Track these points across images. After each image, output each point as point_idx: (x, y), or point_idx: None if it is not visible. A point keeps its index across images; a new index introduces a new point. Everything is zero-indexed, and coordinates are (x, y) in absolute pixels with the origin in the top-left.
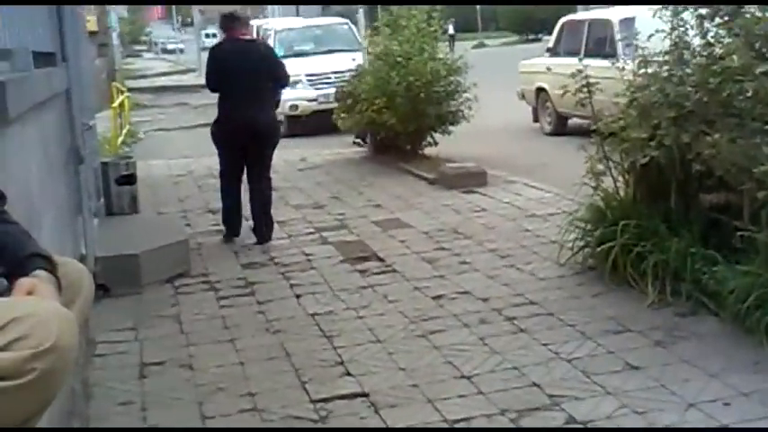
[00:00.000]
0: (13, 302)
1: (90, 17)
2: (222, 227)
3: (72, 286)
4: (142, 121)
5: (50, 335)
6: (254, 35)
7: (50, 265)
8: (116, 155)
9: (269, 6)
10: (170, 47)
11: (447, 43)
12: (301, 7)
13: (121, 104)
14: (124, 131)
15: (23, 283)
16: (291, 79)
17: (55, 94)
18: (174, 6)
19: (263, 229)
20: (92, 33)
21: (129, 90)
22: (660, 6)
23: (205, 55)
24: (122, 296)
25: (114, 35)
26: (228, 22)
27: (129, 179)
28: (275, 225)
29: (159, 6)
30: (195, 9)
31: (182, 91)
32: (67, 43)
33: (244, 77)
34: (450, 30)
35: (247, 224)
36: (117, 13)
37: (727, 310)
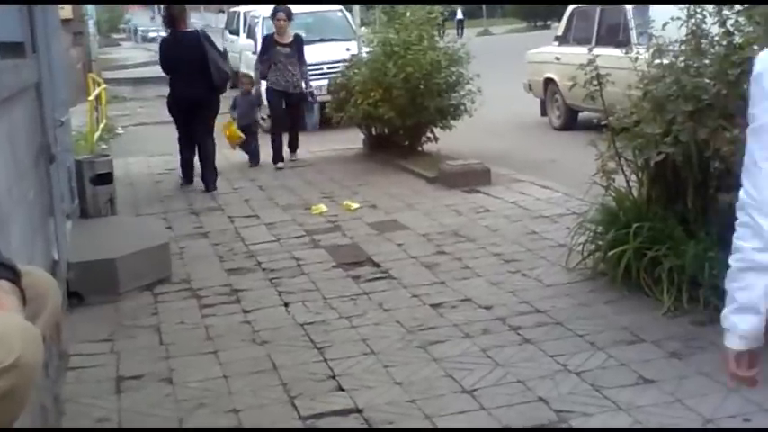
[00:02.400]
0: None
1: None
2: (180, 172)
3: (38, 298)
4: (121, 115)
5: (11, 352)
6: (242, 22)
7: (14, 275)
8: (92, 152)
9: None
10: (151, 35)
11: (456, 29)
12: None
13: (98, 97)
14: (101, 126)
15: None
16: None
17: (24, 87)
18: None
19: (208, 178)
20: (65, 21)
21: (107, 82)
22: None
23: None
24: (98, 305)
25: (90, 23)
26: (169, 20)
27: (106, 178)
28: (264, 228)
29: None
30: None
31: (163, 83)
32: (38, 32)
33: (184, 61)
34: (459, 14)
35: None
36: None
37: None
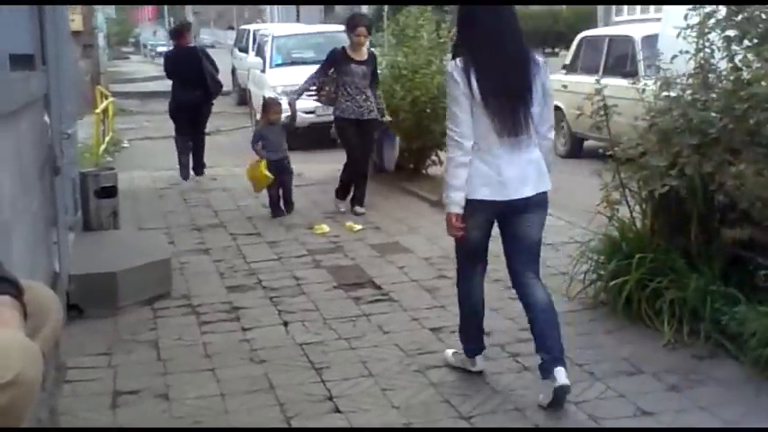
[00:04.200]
0: None
1: (74, 16)
2: (179, 170)
3: (39, 313)
4: (127, 128)
5: (11, 368)
6: (251, 40)
7: (15, 290)
8: (97, 165)
9: (267, 9)
10: (159, 49)
11: None
12: (302, 13)
13: (105, 110)
14: (107, 139)
15: None
16: (289, 88)
17: (32, 99)
18: (165, 7)
19: (198, 167)
20: (76, 33)
21: (115, 95)
22: (685, 26)
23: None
24: (97, 318)
25: (101, 36)
26: (175, 35)
27: (110, 192)
28: (266, 246)
29: (150, 7)
30: (189, 10)
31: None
32: (48, 45)
33: (183, 72)
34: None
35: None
36: (105, 13)
37: (747, 353)
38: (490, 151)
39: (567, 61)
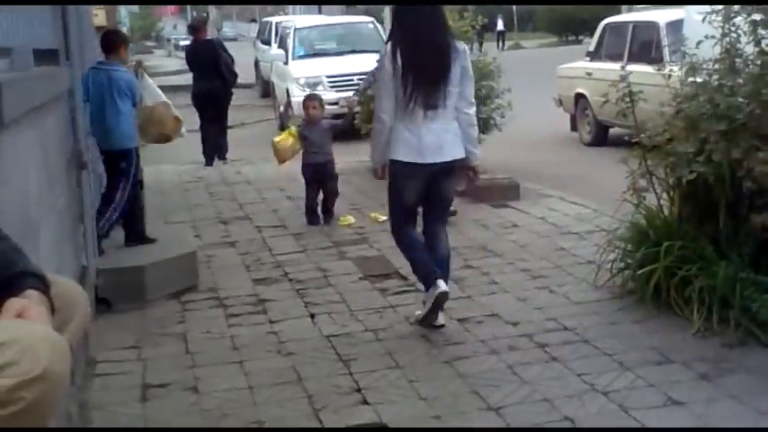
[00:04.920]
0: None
1: (98, 11)
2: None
3: (66, 308)
4: None
5: (39, 362)
6: (274, 33)
7: (43, 285)
8: None
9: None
10: (182, 43)
11: (496, 41)
12: (324, 5)
13: None
14: None
15: (12, 304)
16: (312, 80)
17: (57, 95)
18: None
19: (222, 152)
20: (99, 28)
21: None
22: (710, 10)
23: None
24: (125, 312)
25: (124, 30)
26: (192, 31)
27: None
28: (291, 238)
29: None
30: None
31: None
32: (72, 40)
33: (201, 64)
34: (500, 26)
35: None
36: (128, 8)
37: None
38: (413, 122)
39: (591, 48)
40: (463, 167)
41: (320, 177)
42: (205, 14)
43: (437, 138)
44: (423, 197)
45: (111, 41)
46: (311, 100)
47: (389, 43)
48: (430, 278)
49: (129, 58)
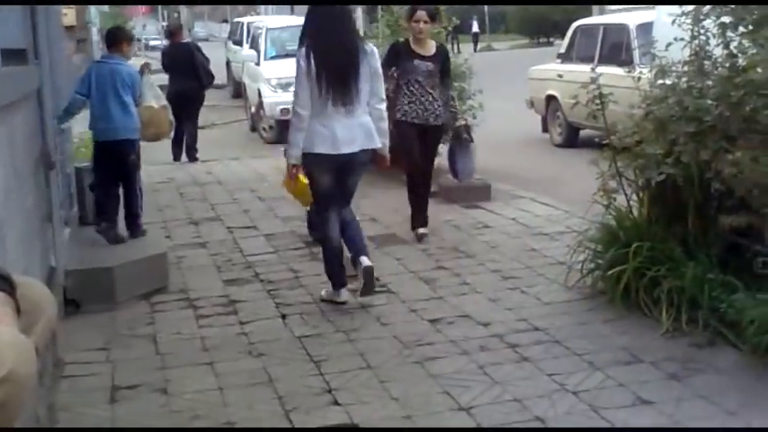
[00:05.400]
0: None
1: (67, 11)
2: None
3: (33, 310)
4: None
5: (3, 364)
6: (245, 33)
7: (8, 286)
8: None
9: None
10: (152, 43)
11: (472, 43)
12: (296, 5)
13: None
14: None
15: None
16: (284, 82)
17: (25, 94)
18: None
19: (191, 153)
20: (69, 28)
21: None
22: (680, 13)
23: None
24: (94, 313)
25: (94, 30)
26: (168, 35)
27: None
28: (263, 239)
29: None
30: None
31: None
32: (40, 39)
33: (178, 66)
34: (475, 27)
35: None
36: (98, 8)
37: (746, 341)
38: (326, 117)
39: (562, 50)
40: (374, 156)
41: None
42: (176, 14)
43: (350, 132)
44: (337, 184)
45: (114, 37)
46: None
47: (303, 41)
48: (336, 277)
49: (132, 53)
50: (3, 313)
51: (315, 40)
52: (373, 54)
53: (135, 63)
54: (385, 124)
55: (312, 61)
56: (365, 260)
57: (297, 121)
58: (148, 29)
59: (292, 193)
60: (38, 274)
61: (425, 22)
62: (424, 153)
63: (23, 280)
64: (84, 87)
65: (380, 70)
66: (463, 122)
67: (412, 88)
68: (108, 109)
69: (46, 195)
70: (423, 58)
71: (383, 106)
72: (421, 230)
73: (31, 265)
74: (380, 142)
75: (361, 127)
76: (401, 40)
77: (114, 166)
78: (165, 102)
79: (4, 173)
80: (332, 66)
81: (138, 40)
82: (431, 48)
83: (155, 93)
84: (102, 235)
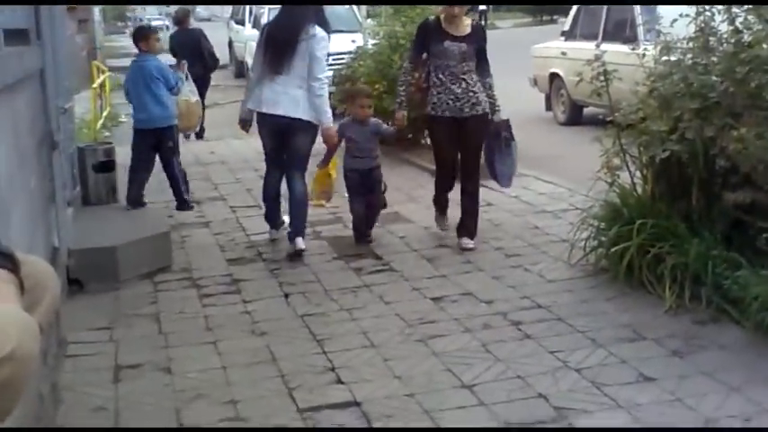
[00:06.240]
0: None
1: None
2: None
3: (36, 288)
4: (125, 103)
5: (7, 342)
6: (248, 13)
7: (12, 264)
8: (95, 140)
9: None
10: (154, 23)
11: (480, 20)
12: None
13: (102, 85)
14: (104, 114)
15: None
16: None
17: (27, 74)
18: None
19: (200, 131)
20: (71, 8)
21: (112, 69)
22: None
23: None
24: (97, 292)
25: (96, 10)
26: (177, 21)
27: (108, 166)
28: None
29: None
30: None
31: None
32: (42, 20)
33: (185, 50)
34: (482, 5)
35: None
36: None
37: (750, 317)
38: (262, 82)
39: (566, 28)
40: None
41: (363, 187)
42: None
43: (274, 96)
44: (277, 146)
45: (139, 34)
46: (362, 96)
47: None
48: (272, 222)
49: (159, 47)
50: (6, 291)
51: (269, 22)
52: (316, 39)
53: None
54: (320, 101)
55: (263, 38)
56: (300, 242)
57: (248, 84)
58: (149, 9)
59: (319, 188)
60: (41, 253)
61: (461, 3)
62: (465, 148)
63: (27, 258)
64: (125, 86)
65: (320, 54)
66: (502, 119)
67: (441, 75)
68: (143, 102)
69: (49, 175)
70: (455, 38)
71: (318, 84)
72: (466, 242)
73: (35, 245)
74: (314, 118)
75: (287, 95)
76: (431, 18)
77: (152, 151)
78: (198, 97)
79: (8, 153)
80: (270, 41)
81: (140, 20)
82: (465, 26)
83: (191, 87)
84: (129, 206)
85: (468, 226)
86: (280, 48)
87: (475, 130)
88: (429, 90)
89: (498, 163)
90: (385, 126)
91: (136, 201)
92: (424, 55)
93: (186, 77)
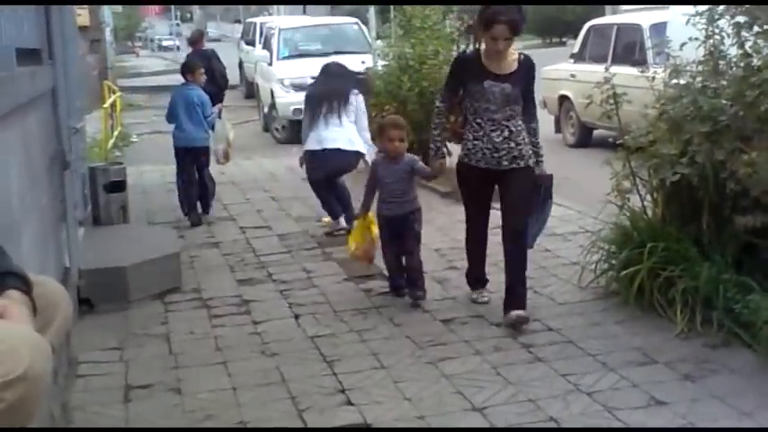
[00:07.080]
0: None
1: (81, 11)
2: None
3: (48, 308)
4: (136, 122)
5: (20, 363)
6: (258, 33)
7: (25, 285)
8: (106, 159)
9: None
10: (165, 43)
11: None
12: (309, 5)
13: (113, 105)
14: (115, 134)
15: None
16: (297, 81)
17: (39, 94)
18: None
19: None
20: (83, 28)
21: (123, 89)
22: (694, 13)
23: None
24: (108, 312)
25: (107, 30)
26: (191, 42)
27: (119, 186)
28: (276, 239)
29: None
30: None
31: None
32: (55, 40)
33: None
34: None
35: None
36: (111, 8)
37: (761, 341)
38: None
39: (575, 50)
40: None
41: (397, 233)
42: (189, 14)
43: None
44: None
45: (187, 67)
46: (396, 128)
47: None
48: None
49: (202, 79)
50: (19, 313)
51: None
52: (358, 98)
53: (148, 63)
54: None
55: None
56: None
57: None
58: (159, 29)
59: (356, 246)
60: (52, 273)
61: (507, 38)
62: (505, 203)
63: (40, 279)
64: (169, 108)
65: (364, 109)
66: (545, 173)
67: (479, 120)
68: (182, 123)
69: (60, 195)
70: (497, 77)
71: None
72: (516, 313)
73: (46, 265)
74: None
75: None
76: (468, 50)
77: (190, 165)
78: (231, 140)
79: (19, 173)
80: (322, 98)
81: (152, 40)
82: (511, 62)
83: (230, 130)
84: (187, 218)
85: (518, 294)
86: (333, 105)
87: (515, 181)
88: (464, 132)
89: (530, 221)
90: (421, 164)
91: (197, 218)
92: (461, 91)
93: (219, 116)
